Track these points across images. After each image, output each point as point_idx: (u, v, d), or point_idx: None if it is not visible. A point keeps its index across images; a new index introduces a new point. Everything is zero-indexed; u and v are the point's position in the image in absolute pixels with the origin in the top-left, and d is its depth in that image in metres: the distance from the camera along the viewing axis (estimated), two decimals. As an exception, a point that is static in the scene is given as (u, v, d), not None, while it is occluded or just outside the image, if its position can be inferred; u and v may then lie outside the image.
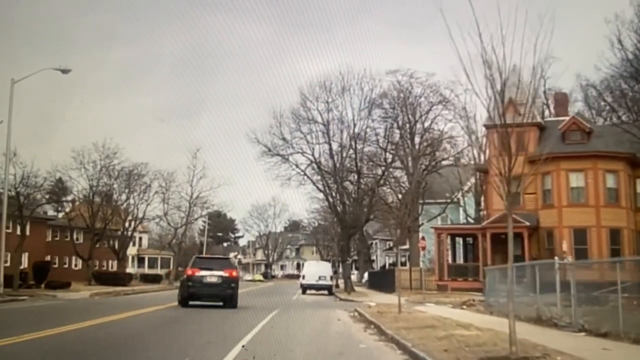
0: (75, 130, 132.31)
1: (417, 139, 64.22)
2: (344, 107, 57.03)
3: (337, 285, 60.61)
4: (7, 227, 53.64)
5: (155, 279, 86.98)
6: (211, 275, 32.11)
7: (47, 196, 70.14)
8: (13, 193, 52.29)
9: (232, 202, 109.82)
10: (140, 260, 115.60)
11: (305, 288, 56.00)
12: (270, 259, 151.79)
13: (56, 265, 79.41)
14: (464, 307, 32.08)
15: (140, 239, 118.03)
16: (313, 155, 57.63)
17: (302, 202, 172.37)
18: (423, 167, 64.50)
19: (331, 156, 56.95)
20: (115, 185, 79.58)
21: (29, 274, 56.14)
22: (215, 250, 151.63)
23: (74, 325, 20.34)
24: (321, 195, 79.71)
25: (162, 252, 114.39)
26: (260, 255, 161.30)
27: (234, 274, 33.67)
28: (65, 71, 43.29)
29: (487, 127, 52.96)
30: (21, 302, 38.05)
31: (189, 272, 32.95)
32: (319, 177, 60.27)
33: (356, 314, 29.17)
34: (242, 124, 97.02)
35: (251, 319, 25.40)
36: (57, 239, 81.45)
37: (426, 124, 64.19)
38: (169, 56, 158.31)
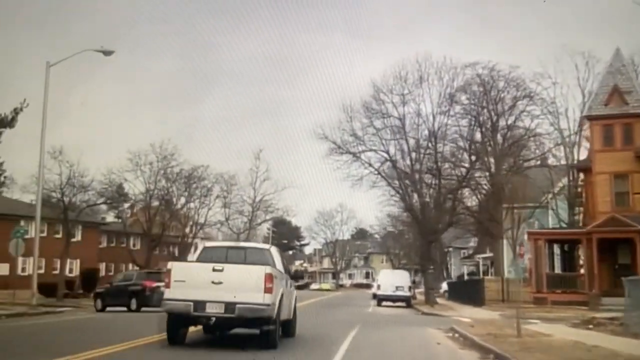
0: (130, 133, 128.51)
1: (499, 137, 57.31)
2: (422, 98, 50.53)
3: (414, 297, 54.10)
4: (57, 232, 48.92)
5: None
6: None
7: (104, 201, 65.60)
8: (59, 194, 47.41)
9: (297, 206, 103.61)
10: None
11: (380, 299, 49.90)
12: (338, 268, 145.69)
13: (112, 273, 75.11)
14: (590, 326, 25.39)
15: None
16: (387, 152, 51.37)
17: (371, 208, 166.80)
18: (507, 167, 57.51)
19: (408, 154, 50.56)
20: (173, 189, 74.21)
21: (76, 282, 51.20)
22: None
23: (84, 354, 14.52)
24: (394, 199, 73.87)
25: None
26: (326, 263, 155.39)
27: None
28: (107, 53, 38.05)
29: (589, 118, 46.22)
30: (56, 315, 32.84)
31: None
32: (393, 178, 54.11)
33: (456, 334, 22.84)
34: (309, 123, 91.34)
35: (327, 342, 19.18)
36: (113, 245, 76.99)
37: (510, 120, 57.17)
38: (231, 62, 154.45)
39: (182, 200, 76.26)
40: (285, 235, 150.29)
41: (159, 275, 32.32)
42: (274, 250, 19.28)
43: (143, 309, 35.19)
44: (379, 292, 49.76)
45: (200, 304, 15.68)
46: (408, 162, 50.94)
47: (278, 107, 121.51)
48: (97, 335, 20.55)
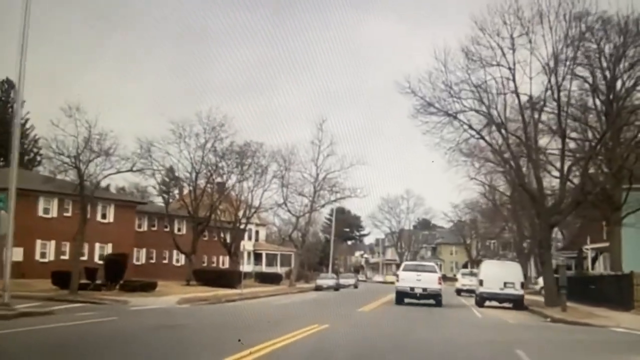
0: (170, 99, 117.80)
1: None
2: (535, 43, 38.66)
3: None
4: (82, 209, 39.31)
5: (273, 279, 71.34)
6: None
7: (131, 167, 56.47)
8: (72, 159, 37.44)
9: (367, 186, 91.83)
10: (257, 257, 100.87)
11: (483, 298, 38.91)
12: (403, 259, 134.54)
13: (153, 261, 65.90)
14: None
15: (257, 232, 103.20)
16: (489, 113, 39.87)
17: (442, 195, 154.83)
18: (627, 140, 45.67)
19: (520, 113, 38.87)
20: (223, 165, 64.07)
21: (99, 270, 41.38)
22: (341, 249, 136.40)
23: None
24: (476, 182, 63.17)
25: (281, 248, 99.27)
26: (390, 254, 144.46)
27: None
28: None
29: None
30: (46, 316, 22.78)
31: None
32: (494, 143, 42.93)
33: None
34: (384, 81, 79.38)
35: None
36: (154, 228, 67.35)
37: (629, 83, 45.07)
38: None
39: (233, 179, 66.15)
40: (345, 224, 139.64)
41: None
42: (436, 266, 44.04)
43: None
44: (483, 290, 38.50)
45: (413, 288, 37.25)
46: (521, 125, 39.52)
47: (347, 60, 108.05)
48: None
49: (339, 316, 25.13)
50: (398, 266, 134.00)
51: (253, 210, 72.93)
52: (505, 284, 38.02)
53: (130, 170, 41.14)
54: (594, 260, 62.06)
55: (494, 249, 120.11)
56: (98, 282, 39.63)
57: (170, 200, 70.51)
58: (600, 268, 60.03)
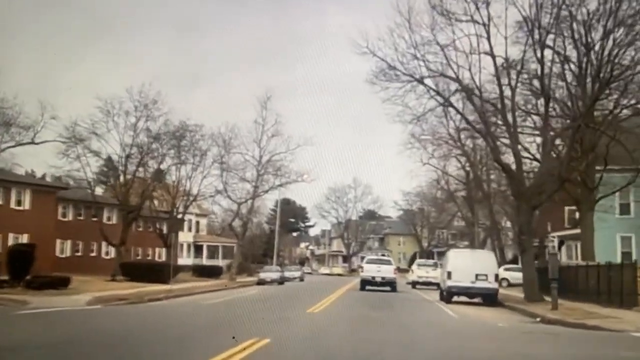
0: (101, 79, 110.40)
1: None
2: None
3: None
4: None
5: (213, 272, 65.50)
6: None
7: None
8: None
9: (316, 166, 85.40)
10: (198, 249, 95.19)
11: (452, 293, 33.86)
12: (350, 250, 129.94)
13: (79, 253, 59.75)
14: None
15: (198, 223, 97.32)
16: (458, 78, 34.75)
17: (392, 182, 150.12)
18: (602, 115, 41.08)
19: (496, 77, 33.70)
20: (157, 147, 58.09)
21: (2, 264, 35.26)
22: (286, 241, 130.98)
23: None
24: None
25: (223, 240, 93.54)
26: (336, 245, 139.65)
27: None
28: None
29: None
30: None
31: None
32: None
33: None
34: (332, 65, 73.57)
35: None
36: (81, 218, 61.22)
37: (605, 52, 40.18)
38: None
39: (168, 161, 60.25)
40: (290, 215, 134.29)
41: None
42: (392, 260, 54.84)
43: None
44: (451, 283, 33.32)
45: (374, 277, 45.37)
46: (492, 94, 34.48)
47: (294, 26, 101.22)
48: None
49: (284, 321, 19.60)
50: (344, 257, 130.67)
51: (192, 199, 67.12)
52: (477, 276, 33.15)
53: (32, 142, 35.04)
54: (558, 249, 57.66)
55: (444, 238, 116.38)
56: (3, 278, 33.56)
57: (101, 187, 64.58)
58: (564, 258, 55.91)
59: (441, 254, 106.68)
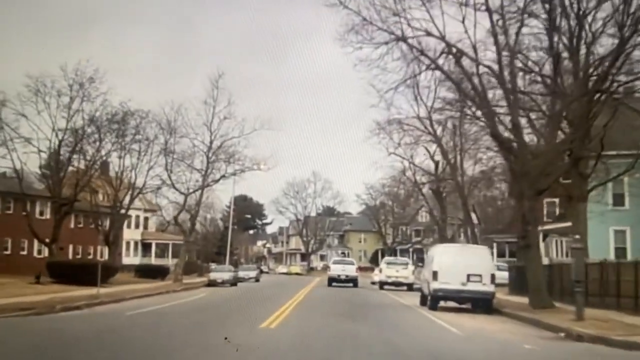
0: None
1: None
2: None
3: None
4: None
5: (159, 273, 58.93)
6: None
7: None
8: None
9: (274, 155, 78.24)
10: (146, 248, 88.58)
11: (438, 298, 28.02)
12: (309, 248, 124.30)
13: (8, 252, 53.34)
14: None
15: (147, 219, 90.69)
16: (444, 38, 28.91)
17: (353, 176, 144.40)
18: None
19: (493, 33, 27.70)
20: (94, 131, 51.72)
21: None
22: (242, 238, 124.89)
23: None
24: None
25: (171, 237, 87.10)
26: (294, 243, 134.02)
27: None
28: None
29: None
30: None
31: None
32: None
33: None
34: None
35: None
36: (9, 212, 54.64)
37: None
38: None
39: (109, 147, 53.90)
40: (247, 212, 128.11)
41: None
42: (355, 261, 67.63)
43: None
44: (437, 285, 27.24)
45: (339, 275, 55.35)
46: (494, 53, 28.55)
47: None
48: None
49: (223, 349, 13.43)
50: (303, 255, 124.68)
51: (137, 192, 60.68)
52: (469, 277, 27.32)
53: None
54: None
55: (407, 235, 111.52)
56: None
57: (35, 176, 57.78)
58: (552, 254, 51.12)
59: (404, 252, 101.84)
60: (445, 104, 47.53)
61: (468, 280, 27.21)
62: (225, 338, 13.23)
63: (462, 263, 27.48)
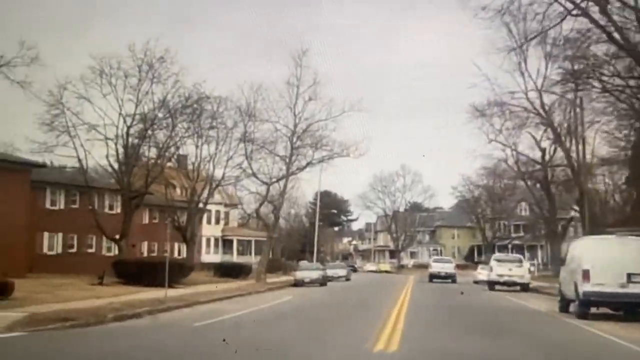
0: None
1: None
2: None
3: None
4: None
5: (240, 271, 53.44)
6: None
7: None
8: None
9: (365, 140, 71.65)
10: (227, 245, 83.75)
11: (589, 303, 21.26)
12: (398, 245, 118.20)
13: (74, 250, 48.96)
14: None
15: (227, 214, 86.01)
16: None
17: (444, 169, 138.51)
18: None
19: None
20: (161, 116, 46.67)
21: None
22: (327, 235, 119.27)
23: None
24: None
25: (255, 233, 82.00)
26: (382, 240, 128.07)
27: None
28: None
29: None
30: None
31: None
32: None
33: None
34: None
35: None
36: (74, 206, 50.19)
37: None
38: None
39: (181, 132, 48.82)
40: (332, 207, 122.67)
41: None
42: (452, 259, 72.13)
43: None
44: (588, 288, 19.26)
45: (439, 272, 59.40)
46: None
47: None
48: None
49: None
50: (392, 252, 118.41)
51: (216, 184, 55.76)
52: (629, 276, 20.83)
53: None
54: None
55: (505, 231, 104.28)
56: None
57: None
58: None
59: (502, 248, 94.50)
60: (565, 74, 41.32)
61: (629, 280, 20.69)
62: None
63: (619, 260, 20.90)
